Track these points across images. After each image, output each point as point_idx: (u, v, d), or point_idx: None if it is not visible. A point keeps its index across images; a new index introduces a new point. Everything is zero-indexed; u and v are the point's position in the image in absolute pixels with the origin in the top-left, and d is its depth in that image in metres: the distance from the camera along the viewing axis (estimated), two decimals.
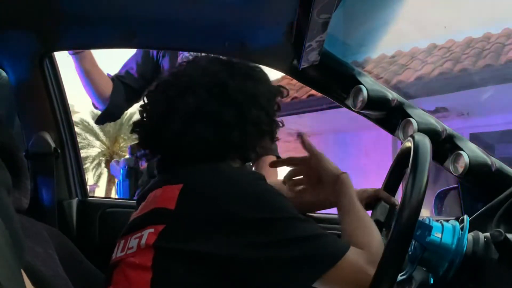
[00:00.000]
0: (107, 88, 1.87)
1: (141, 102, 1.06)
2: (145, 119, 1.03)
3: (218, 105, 0.95)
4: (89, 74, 1.80)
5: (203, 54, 1.24)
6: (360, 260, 0.85)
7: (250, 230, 0.84)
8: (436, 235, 0.86)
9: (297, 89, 5.74)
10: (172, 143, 0.97)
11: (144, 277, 0.85)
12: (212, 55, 1.06)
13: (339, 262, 0.83)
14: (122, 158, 2.02)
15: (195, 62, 1.05)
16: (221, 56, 1.07)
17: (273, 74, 1.28)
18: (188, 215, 0.87)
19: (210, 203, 0.86)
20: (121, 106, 1.90)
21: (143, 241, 0.88)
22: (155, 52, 1.90)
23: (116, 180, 2.08)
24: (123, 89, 1.89)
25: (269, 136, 1.03)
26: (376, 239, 0.91)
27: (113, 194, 17.50)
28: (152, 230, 0.88)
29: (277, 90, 1.06)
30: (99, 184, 18.99)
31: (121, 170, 1.97)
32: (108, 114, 1.92)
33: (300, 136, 1.09)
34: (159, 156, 1.02)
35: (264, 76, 1.06)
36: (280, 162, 1.27)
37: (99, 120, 1.97)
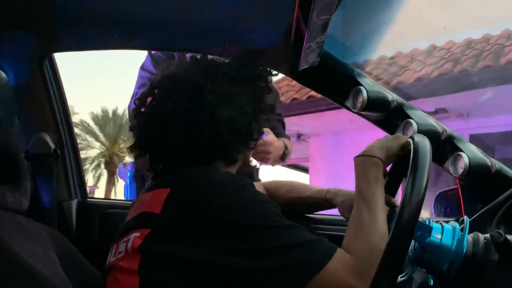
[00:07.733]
0: None
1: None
2: (135, 122, 1.03)
3: (191, 107, 0.95)
4: None
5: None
6: (343, 272, 0.82)
7: (233, 237, 0.83)
8: (436, 236, 0.86)
9: (296, 90, 5.74)
10: (154, 147, 0.98)
11: (132, 282, 0.85)
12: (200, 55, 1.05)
13: (318, 274, 0.81)
14: (129, 161, 2.02)
15: (179, 63, 1.05)
16: (216, 57, 1.06)
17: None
18: (172, 220, 0.86)
19: (194, 208, 0.85)
20: None
21: (130, 245, 0.88)
22: None
23: (123, 183, 2.08)
24: None
25: (248, 136, 1.00)
26: (374, 244, 0.84)
27: (113, 195, 17.51)
28: (138, 234, 0.88)
29: (263, 90, 1.04)
30: (99, 185, 19.01)
31: (128, 173, 1.98)
32: None
33: None
34: (149, 159, 1.02)
35: (252, 76, 1.02)
36: None
37: None
